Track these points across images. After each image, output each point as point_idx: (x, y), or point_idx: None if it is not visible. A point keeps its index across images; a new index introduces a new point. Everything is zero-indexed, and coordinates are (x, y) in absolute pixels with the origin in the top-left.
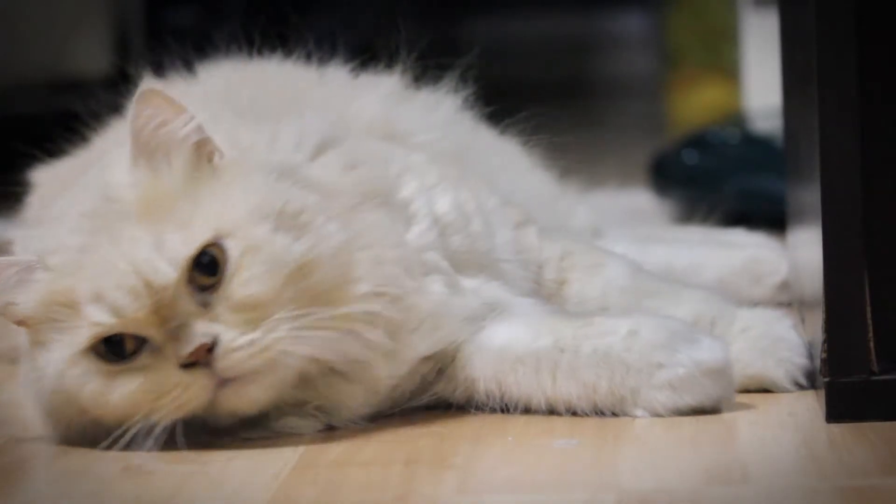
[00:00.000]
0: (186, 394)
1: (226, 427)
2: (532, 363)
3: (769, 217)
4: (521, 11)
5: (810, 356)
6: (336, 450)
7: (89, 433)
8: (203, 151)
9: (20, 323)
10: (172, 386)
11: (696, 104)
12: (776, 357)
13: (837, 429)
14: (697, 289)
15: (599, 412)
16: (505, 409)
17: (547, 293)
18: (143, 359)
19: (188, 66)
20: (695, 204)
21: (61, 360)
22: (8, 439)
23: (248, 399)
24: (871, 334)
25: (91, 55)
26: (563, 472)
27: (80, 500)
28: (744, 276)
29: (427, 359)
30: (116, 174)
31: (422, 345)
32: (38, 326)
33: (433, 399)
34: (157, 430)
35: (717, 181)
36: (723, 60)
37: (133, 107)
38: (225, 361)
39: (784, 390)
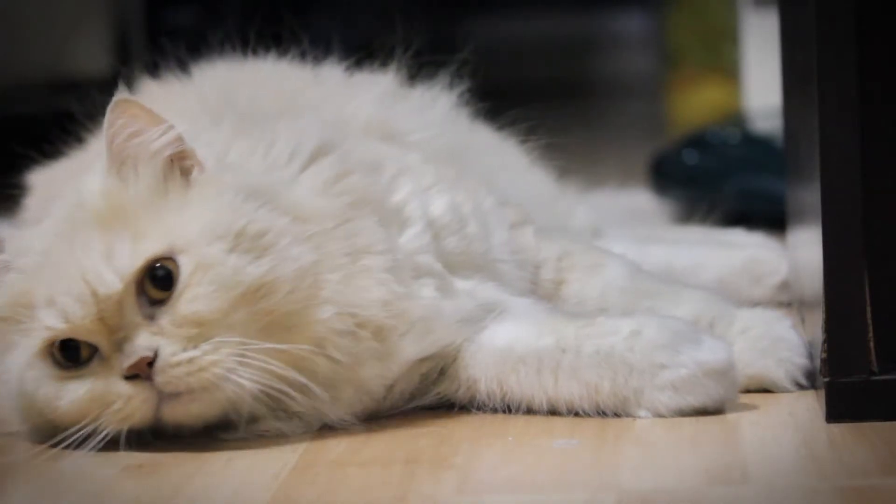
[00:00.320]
0: (129, 406)
1: (196, 429)
2: (534, 363)
3: (769, 217)
4: (522, 11)
5: (810, 356)
6: (336, 450)
7: (49, 434)
8: (179, 164)
9: None
10: (116, 396)
11: (696, 104)
12: (776, 357)
13: (837, 429)
14: (697, 289)
15: (602, 412)
16: (507, 410)
17: (544, 293)
18: (94, 367)
19: (183, 65)
20: (695, 204)
21: (22, 363)
22: (7, 438)
23: (191, 415)
24: (871, 334)
25: (91, 56)
26: (563, 472)
27: (80, 500)
28: (744, 277)
29: (426, 359)
30: (91, 181)
31: (412, 348)
32: (6, 327)
33: (436, 399)
34: (101, 436)
35: (717, 181)
36: (723, 60)
37: (107, 116)
38: (163, 376)
39: (784, 390)
